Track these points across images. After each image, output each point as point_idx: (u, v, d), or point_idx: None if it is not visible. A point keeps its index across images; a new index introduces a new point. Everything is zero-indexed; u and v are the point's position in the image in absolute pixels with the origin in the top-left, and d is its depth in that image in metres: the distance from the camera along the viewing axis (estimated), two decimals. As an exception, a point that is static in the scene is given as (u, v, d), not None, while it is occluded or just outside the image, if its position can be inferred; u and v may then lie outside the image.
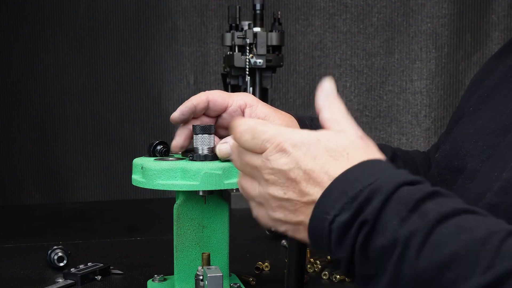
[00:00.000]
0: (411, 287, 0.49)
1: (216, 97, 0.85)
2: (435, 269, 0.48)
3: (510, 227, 0.49)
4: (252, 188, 0.62)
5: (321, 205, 0.55)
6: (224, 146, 0.80)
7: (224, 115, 0.86)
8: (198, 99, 0.84)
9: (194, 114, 0.85)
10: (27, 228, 1.40)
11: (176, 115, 0.83)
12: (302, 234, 0.58)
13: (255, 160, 0.59)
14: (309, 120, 0.90)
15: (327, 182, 0.55)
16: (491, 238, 0.48)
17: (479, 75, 0.90)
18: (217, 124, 0.86)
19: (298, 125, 0.88)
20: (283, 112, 0.87)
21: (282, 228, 0.60)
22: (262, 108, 0.85)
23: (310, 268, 1.01)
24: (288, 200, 0.58)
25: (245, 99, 0.86)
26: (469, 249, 0.47)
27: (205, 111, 0.85)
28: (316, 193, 0.56)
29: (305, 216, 0.57)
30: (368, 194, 0.52)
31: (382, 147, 0.96)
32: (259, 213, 0.63)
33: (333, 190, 0.54)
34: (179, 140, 0.84)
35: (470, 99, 0.85)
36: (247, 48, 1.52)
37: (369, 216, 0.51)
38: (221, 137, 0.87)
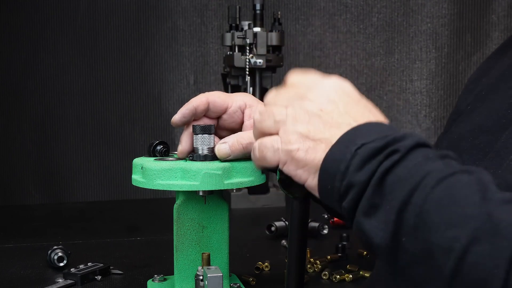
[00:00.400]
0: (414, 216, 0.51)
1: (215, 98, 0.85)
2: (444, 203, 0.50)
3: None
4: (282, 103, 0.64)
5: (350, 135, 0.58)
6: (223, 146, 0.80)
7: (224, 116, 0.86)
8: (198, 101, 0.83)
9: (194, 116, 0.85)
10: (27, 228, 1.40)
11: (177, 117, 0.83)
12: (317, 154, 0.60)
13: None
14: None
15: (354, 124, 0.60)
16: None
17: (476, 74, 0.90)
18: (217, 125, 0.86)
19: None
20: None
21: (294, 146, 0.61)
22: (262, 108, 0.85)
23: (310, 268, 1.01)
24: (326, 112, 0.61)
25: (244, 99, 0.86)
26: (485, 197, 0.50)
27: (205, 113, 0.85)
28: (354, 120, 0.60)
29: (331, 135, 0.59)
30: (401, 135, 0.56)
31: None
32: (265, 141, 0.64)
33: (364, 127, 0.59)
34: (185, 145, 0.84)
35: (467, 98, 0.85)
36: (247, 48, 1.52)
37: (402, 149, 0.55)
38: (221, 137, 0.87)
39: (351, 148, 0.56)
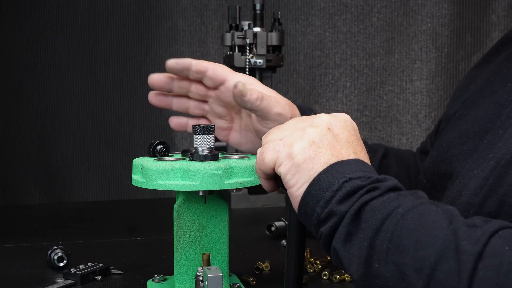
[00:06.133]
0: (386, 242, 0.55)
1: (217, 67, 0.85)
2: (413, 227, 0.55)
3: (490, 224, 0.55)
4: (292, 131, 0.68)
5: (340, 166, 0.62)
6: (255, 90, 0.81)
7: (222, 88, 0.86)
8: (199, 61, 0.83)
9: (189, 74, 0.85)
10: (27, 228, 1.40)
11: (171, 61, 0.83)
12: (315, 165, 0.63)
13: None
14: (309, 111, 0.91)
15: (353, 155, 0.65)
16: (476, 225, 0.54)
17: (464, 82, 0.92)
18: (214, 96, 0.86)
19: (298, 110, 0.89)
20: (282, 97, 0.88)
21: (295, 148, 0.64)
22: (260, 87, 0.86)
23: (310, 268, 1.01)
24: (334, 133, 0.66)
25: (245, 78, 0.86)
26: (450, 222, 0.54)
27: (203, 78, 0.85)
28: (351, 152, 0.65)
29: (333, 154, 0.64)
30: (383, 177, 0.62)
31: (375, 145, 0.98)
32: (267, 144, 0.68)
33: (353, 162, 0.63)
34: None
35: (455, 105, 0.87)
36: (247, 48, 1.52)
37: (382, 187, 0.60)
38: (216, 114, 0.87)
39: (339, 179, 0.61)
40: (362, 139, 0.72)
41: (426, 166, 0.86)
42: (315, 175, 0.62)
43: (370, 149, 0.97)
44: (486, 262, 0.50)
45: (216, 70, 0.84)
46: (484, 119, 0.74)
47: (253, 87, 0.85)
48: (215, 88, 0.87)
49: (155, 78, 0.86)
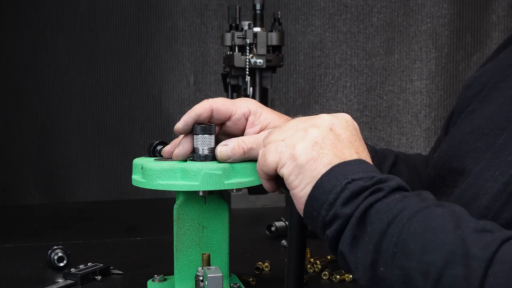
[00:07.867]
0: (392, 245, 0.55)
1: (219, 105, 0.82)
2: (419, 231, 0.54)
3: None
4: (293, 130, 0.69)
5: (342, 168, 0.62)
6: (224, 148, 0.79)
7: (228, 123, 0.83)
8: (202, 108, 0.81)
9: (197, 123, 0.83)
10: (27, 228, 1.40)
11: (180, 125, 0.80)
12: (318, 166, 0.63)
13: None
14: None
15: (355, 155, 0.65)
16: (484, 232, 0.53)
17: (474, 74, 0.90)
18: (220, 131, 0.84)
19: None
20: (288, 117, 0.85)
21: (298, 149, 0.65)
22: (266, 114, 0.84)
23: (310, 268, 1.01)
24: (336, 133, 0.66)
25: (249, 106, 0.84)
26: (458, 226, 0.53)
27: (209, 120, 0.83)
28: (353, 152, 0.65)
29: (336, 155, 0.64)
30: (386, 177, 0.61)
31: (385, 151, 0.97)
32: (269, 145, 0.68)
33: (356, 162, 0.63)
34: (182, 149, 0.81)
35: (467, 99, 0.85)
36: (247, 48, 1.52)
37: (386, 188, 0.60)
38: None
39: (342, 181, 0.60)
40: (370, 145, 0.71)
41: (436, 160, 0.85)
42: (318, 177, 0.62)
43: (380, 155, 0.96)
44: (496, 268, 0.49)
45: (219, 109, 0.82)
46: (499, 116, 0.73)
47: (255, 116, 0.83)
48: (222, 124, 0.85)
49: (179, 129, 0.84)
